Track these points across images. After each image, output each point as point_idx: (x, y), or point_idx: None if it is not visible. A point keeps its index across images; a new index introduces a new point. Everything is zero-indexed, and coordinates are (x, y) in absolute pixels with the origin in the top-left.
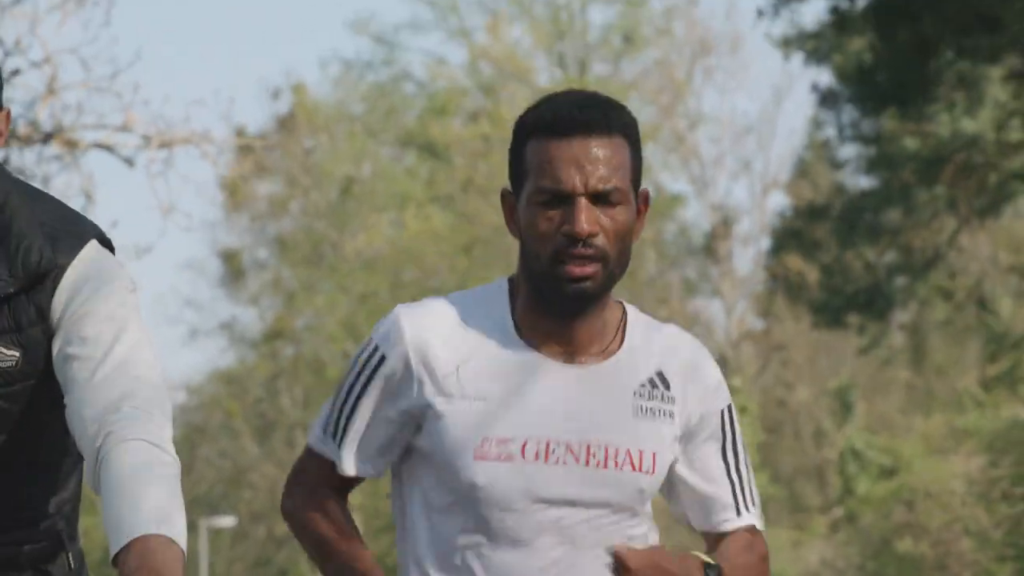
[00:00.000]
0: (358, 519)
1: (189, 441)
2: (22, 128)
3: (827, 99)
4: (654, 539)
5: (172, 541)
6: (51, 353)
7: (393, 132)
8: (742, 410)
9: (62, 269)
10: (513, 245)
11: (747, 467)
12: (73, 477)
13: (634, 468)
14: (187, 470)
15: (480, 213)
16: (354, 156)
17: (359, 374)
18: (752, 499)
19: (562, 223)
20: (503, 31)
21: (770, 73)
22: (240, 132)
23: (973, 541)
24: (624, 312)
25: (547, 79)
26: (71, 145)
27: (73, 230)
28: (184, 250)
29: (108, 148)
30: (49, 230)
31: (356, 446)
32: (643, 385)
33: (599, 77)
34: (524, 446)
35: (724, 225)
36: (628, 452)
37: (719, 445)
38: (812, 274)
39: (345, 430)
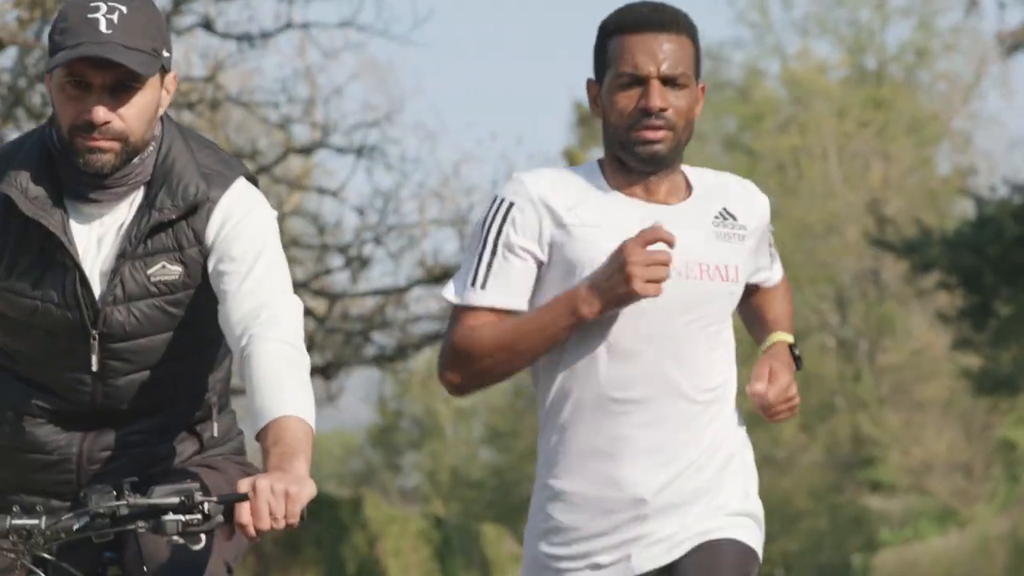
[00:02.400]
0: None
1: None
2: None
3: None
4: (729, 335)
5: (303, 420)
6: (207, 269)
7: (718, 135)
8: None
9: (214, 201)
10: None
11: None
12: (225, 361)
13: (723, 279)
14: None
15: (790, 208)
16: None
17: (491, 224)
18: (776, 254)
19: (639, 100)
20: (811, 47)
21: None
22: None
23: None
24: (685, 171)
25: (851, 86)
26: None
27: (224, 171)
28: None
29: None
30: (205, 170)
31: (500, 280)
32: (716, 217)
33: (894, 83)
34: None
35: None
36: (716, 266)
37: (768, 239)
38: None
39: (488, 272)
